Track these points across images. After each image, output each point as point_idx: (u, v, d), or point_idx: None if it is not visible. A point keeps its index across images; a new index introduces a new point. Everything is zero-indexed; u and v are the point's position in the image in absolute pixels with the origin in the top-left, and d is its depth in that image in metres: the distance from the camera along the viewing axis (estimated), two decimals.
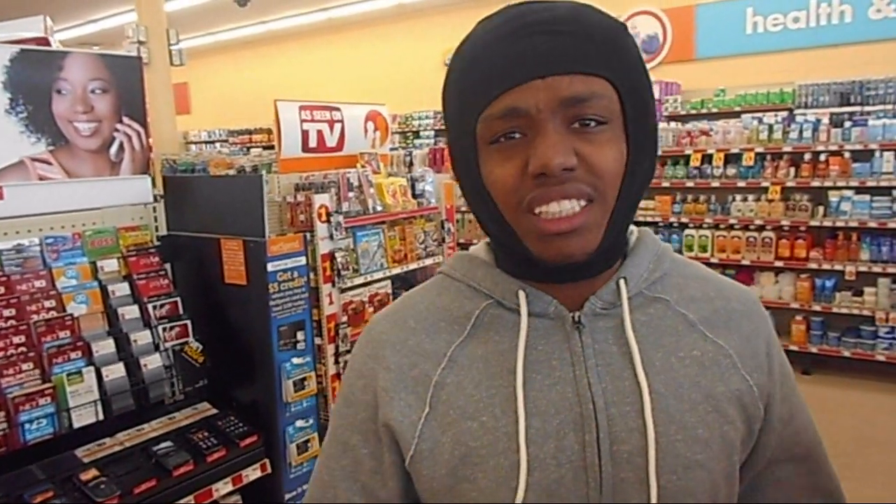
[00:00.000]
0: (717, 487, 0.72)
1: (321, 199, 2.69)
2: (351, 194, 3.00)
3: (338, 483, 0.77)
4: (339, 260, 2.76)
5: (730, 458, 0.73)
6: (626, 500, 0.69)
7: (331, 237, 2.73)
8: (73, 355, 1.89)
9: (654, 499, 0.68)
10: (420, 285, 0.85)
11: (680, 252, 5.54)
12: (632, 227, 0.80)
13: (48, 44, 2.17)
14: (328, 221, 2.71)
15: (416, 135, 10.44)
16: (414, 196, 3.33)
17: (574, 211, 0.66)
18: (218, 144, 12.44)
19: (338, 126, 3.27)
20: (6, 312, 1.83)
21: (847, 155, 5.13)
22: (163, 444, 1.98)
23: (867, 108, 6.55)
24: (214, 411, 2.20)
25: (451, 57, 0.73)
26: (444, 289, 0.80)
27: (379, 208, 3.07)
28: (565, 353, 0.72)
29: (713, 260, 5.61)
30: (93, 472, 1.82)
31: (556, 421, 0.69)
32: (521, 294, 0.74)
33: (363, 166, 3.22)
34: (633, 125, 0.68)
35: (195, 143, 12.82)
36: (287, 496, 2.20)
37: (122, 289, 2.09)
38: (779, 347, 0.81)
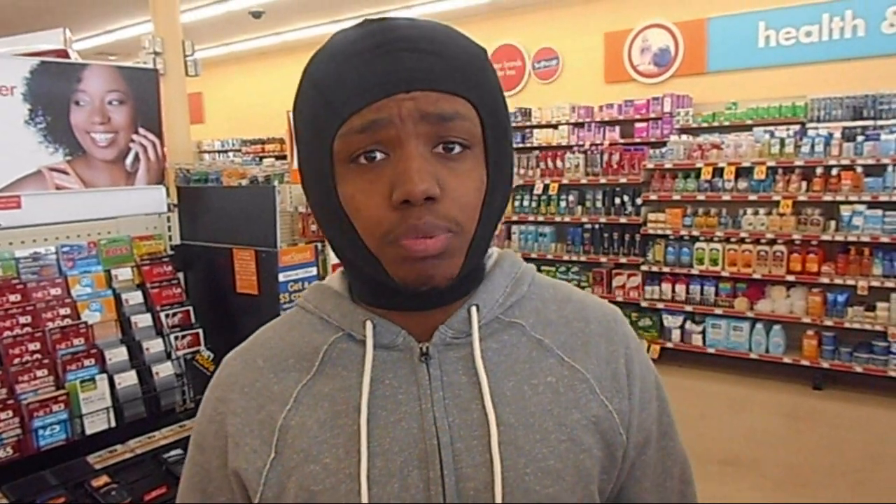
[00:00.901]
0: None
1: None
2: None
3: None
4: None
5: (586, 489, 0.71)
6: None
7: None
8: (86, 362, 1.91)
9: None
10: (278, 318, 0.82)
11: (690, 265, 5.56)
12: (491, 249, 0.78)
13: (67, 56, 2.21)
14: None
15: None
16: None
17: (437, 238, 0.64)
18: (231, 154, 12.55)
19: None
20: (22, 319, 1.86)
21: (859, 169, 5.12)
22: (173, 452, 2.00)
23: (880, 123, 6.54)
24: None
25: (305, 68, 0.70)
26: (297, 322, 0.77)
27: None
28: (412, 386, 0.70)
29: (724, 273, 5.60)
30: (104, 479, 1.84)
31: (399, 459, 0.67)
32: (368, 325, 0.71)
33: None
34: (494, 149, 0.68)
35: (208, 152, 12.94)
36: None
37: (135, 297, 2.11)
38: (644, 364, 0.79)
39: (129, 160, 2.19)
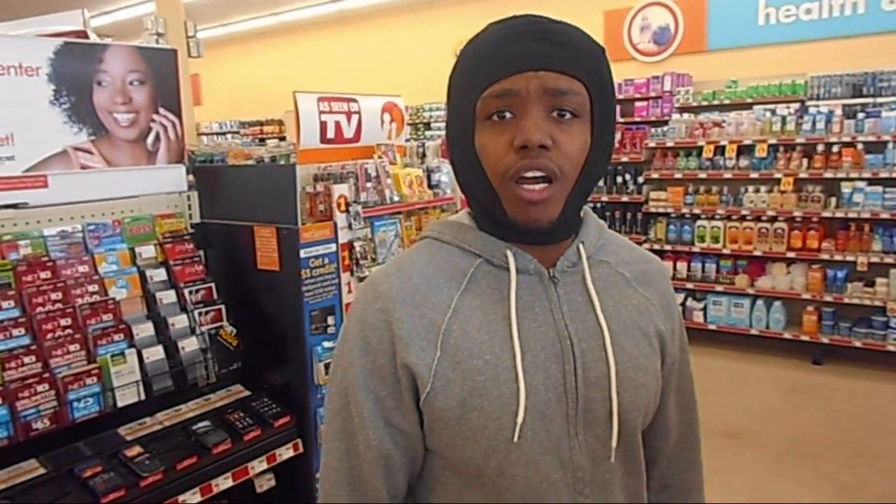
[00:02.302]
0: (651, 402, 0.94)
1: (340, 190, 2.74)
2: (369, 185, 3.05)
3: (366, 423, 0.88)
4: (357, 249, 2.81)
5: (658, 381, 0.96)
6: (593, 413, 0.88)
7: (349, 227, 2.78)
8: (115, 337, 1.96)
9: (615, 412, 0.88)
10: (408, 248, 0.99)
11: (692, 243, 5.60)
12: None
13: (87, 37, 2.24)
14: (347, 211, 2.76)
15: (427, 126, 10.48)
16: (430, 186, 3.38)
17: (542, 187, 0.83)
18: (229, 136, 12.52)
19: (355, 117, 3.30)
20: (54, 296, 1.90)
21: (860, 146, 5.16)
22: (201, 424, 2.06)
23: (880, 100, 6.57)
24: (248, 393, 2.27)
25: (462, 48, 0.89)
26: (437, 250, 0.94)
27: (396, 199, 3.11)
28: (545, 301, 0.90)
29: (725, 251, 5.66)
30: (137, 449, 1.90)
31: (543, 355, 0.87)
32: (510, 253, 0.90)
33: (380, 157, 3.27)
34: (598, 124, 0.86)
35: (206, 134, 12.91)
36: (318, 474, 2.27)
37: (159, 274, 2.16)
38: (676, 302, 1.05)
39: (150, 139, 2.23)
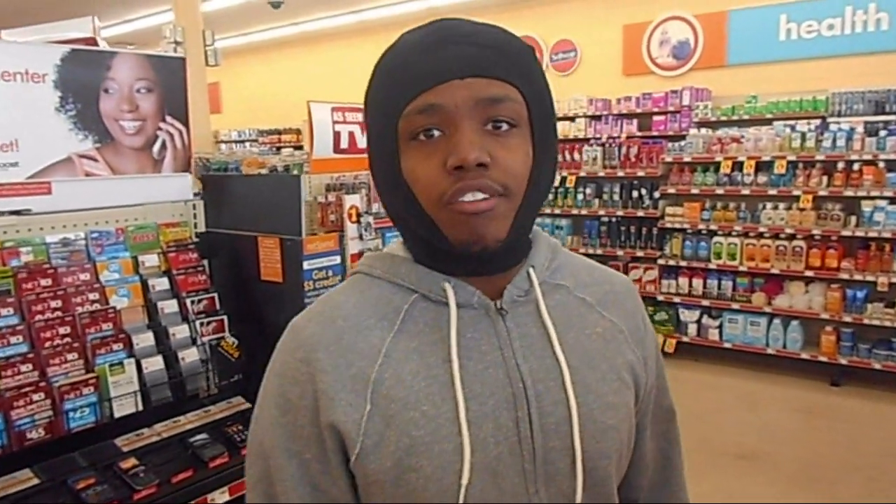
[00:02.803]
0: (624, 446, 0.83)
1: (352, 200, 2.72)
2: None
3: (289, 491, 0.78)
4: None
5: (631, 420, 0.85)
6: (554, 466, 0.77)
7: (360, 237, 2.76)
8: (115, 347, 1.95)
9: (578, 462, 0.77)
10: (337, 286, 0.88)
11: (708, 260, 5.54)
12: None
13: (96, 44, 2.24)
14: (358, 222, 2.74)
15: None
16: None
17: (487, 198, 0.73)
18: (248, 144, 12.60)
19: None
20: (53, 304, 1.89)
21: (881, 164, 5.07)
22: (199, 437, 2.03)
23: None
24: (248, 406, 2.24)
25: (377, 62, 0.80)
26: (367, 287, 0.83)
27: None
28: (493, 338, 0.79)
29: (742, 268, 5.57)
30: (132, 461, 1.87)
31: (491, 402, 0.76)
32: (448, 286, 0.79)
33: None
34: (539, 131, 0.77)
35: (225, 142, 13.00)
36: None
37: (161, 283, 2.14)
38: (649, 323, 0.94)
39: (156, 148, 2.22)
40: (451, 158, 0.72)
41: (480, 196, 0.72)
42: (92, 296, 1.98)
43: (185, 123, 2.27)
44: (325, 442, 0.76)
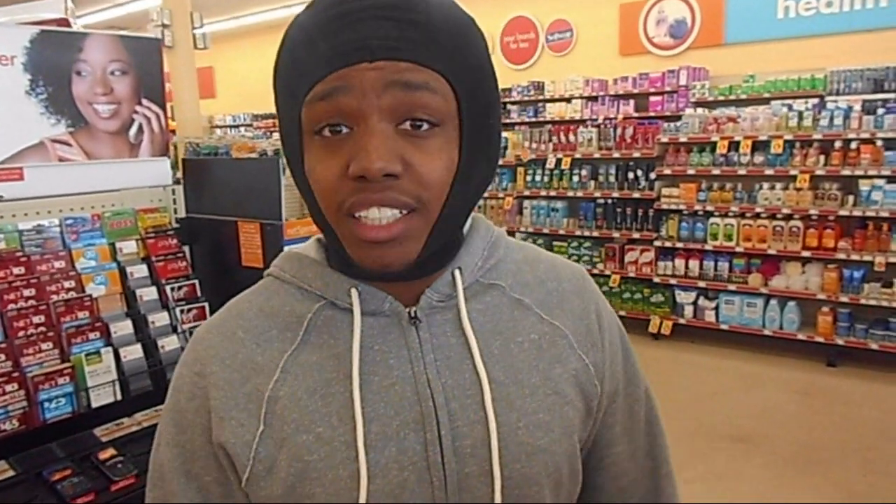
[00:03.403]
0: (560, 469, 0.73)
1: None
2: None
3: None
4: None
5: (570, 438, 0.74)
6: (471, 493, 0.68)
7: None
8: (91, 336, 1.90)
9: (497, 490, 0.67)
10: (248, 290, 0.79)
11: (704, 241, 5.49)
12: None
13: (69, 25, 2.18)
14: None
15: None
16: None
17: (394, 218, 0.62)
18: (242, 129, 12.53)
19: None
20: (26, 292, 1.85)
21: (879, 143, 5.01)
22: None
23: None
24: None
25: (284, 33, 0.68)
26: (274, 292, 0.75)
27: None
28: (403, 350, 0.70)
29: (738, 249, 5.53)
30: (110, 451, 1.84)
31: (395, 423, 0.68)
32: (354, 293, 0.71)
33: None
34: (471, 128, 0.65)
35: (220, 127, 12.93)
36: None
37: (140, 270, 2.10)
38: (610, 316, 0.82)
39: (132, 132, 2.16)
40: (352, 165, 0.61)
41: (387, 214, 0.62)
42: (67, 284, 1.93)
43: (162, 106, 2.21)
44: (222, 463, 0.70)
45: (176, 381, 0.75)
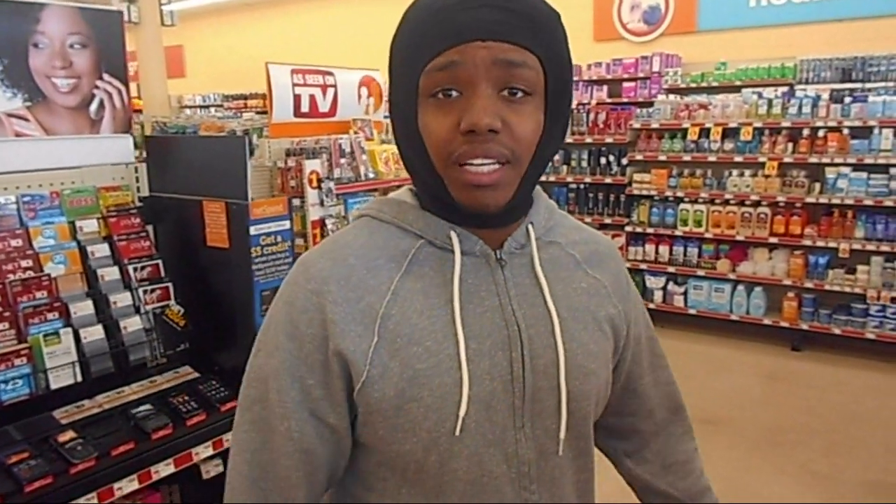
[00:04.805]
0: (601, 390, 0.91)
1: (312, 165, 2.64)
2: (343, 161, 2.95)
3: (288, 413, 0.81)
4: (329, 227, 2.71)
5: (608, 366, 0.93)
6: (541, 403, 0.84)
7: (321, 203, 2.68)
8: (49, 316, 1.86)
9: (563, 401, 0.84)
10: (344, 228, 0.91)
11: (674, 226, 5.52)
12: None
13: None
14: (319, 188, 2.67)
15: None
16: None
17: (493, 168, 0.76)
18: (213, 109, 12.30)
19: (331, 91, 3.19)
20: None
21: (846, 131, 5.08)
22: (142, 408, 1.96)
23: (868, 85, 6.48)
24: (196, 375, 2.17)
25: (405, 12, 0.81)
26: (375, 230, 0.87)
27: (371, 175, 3.02)
28: (491, 285, 0.85)
29: (707, 235, 5.59)
30: (70, 434, 1.80)
31: (488, 342, 0.82)
32: (454, 235, 0.84)
33: (356, 132, 3.16)
34: (553, 101, 0.80)
35: (190, 107, 12.67)
36: None
37: (101, 250, 2.05)
38: (630, 280, 1.02)
39: (93, 107, 2.10)
40: (464, 121, 0.74)
41: (487, 162, 0.76)
42: (24, 263, 1.88)
43: (125, 82, 2.15)
44: (332, 369, 0.80)
45: (288, 296, 0.84)
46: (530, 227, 0.88)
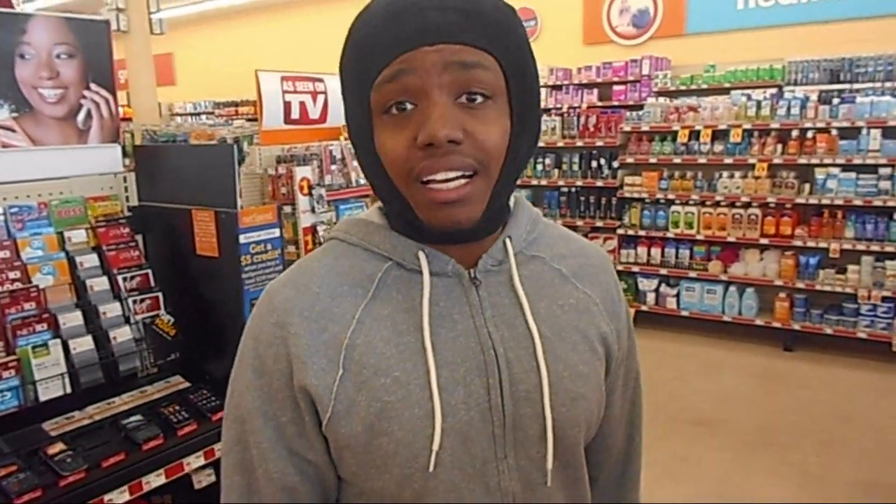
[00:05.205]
0: (593, 414, 0.84)
1: (303, 172, 2.64)
2: (334, 167, 2.95)
3: (266, 453, 0.79)
4: (321, 234, 2.71)
5: (600, 389, 0.86)
6: (524, 432, 0.78)
7: (312, 210, 2.68)
8: (38, 327, 1.85)
9: (549, 429, 0.78)
10: (312, 252, 0.87)
11: (666, 229, 5.55)
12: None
13: (11, 6, 2.10)
14: (310, 194, 2.67)
15: None
16: None
17: (459, 183, 0.71)
18: (204, 116, 12.28)
19: (321, 98, 3.19)
20: None
21: (834, 132, 5.12)
22: (133, 418, 1.95)
23: (856, 86, 6.52)
24: (187, 385, 2.16)
25: (348, 31, 0.77)
26: (341, 254, 0.83)
27: (362, 182, 3.02)
28: (465, 306, 0.80)
29: (699, 237, 5.61)
30: (59, 446, 1.79)
31: (462, 369, 0.77)
32: (422, 255, 0.79)
33: (346, 139, 3.17)
34: (518, 102, 0.74)
35: (181, 115, 12.65)
36: None
37: (90, 260, 2.04)
38: (622, 295, 0.95)
39: (80, 117, 2.10)
40: (421, 134, 0.69)
41: (452, 176, 0.70)
42: (12, 274, 1.87)
43: (112, 91, 2.14)
44: (299, 405, 0.77)
45: (254, 331, 0.81)
46: (508, 241, 0.83)
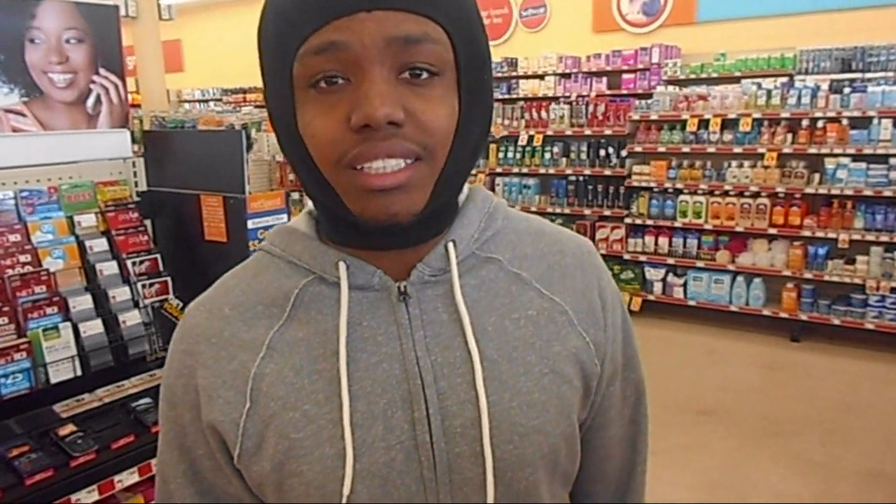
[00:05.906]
0: (557, 450, 0.70)
1: None
2: None
3: (183, 490, 0.73)
4: None
5: (568, 419, 0.71)
6: (461, 475, 0.66)
7: None
8: (49, 310, 1.87)
9: (489, 471, 0.66)
10: (240, 265, 0.77)
11: (674, 218, 5.53)
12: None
13: None
14: None
15: None
16: None
17: (399, 167, 0.60)
18: (212, 103, 12.30)
19: None
20: None
21: (845, 122, 5.08)
22: (142, 401, 1.97)
23: (868, 75, 6.46)
24: None
25: None
26: (263, 268, 0.73)
27: None
28: (391, 326, 0.68)
29: (707, 226, 5.59)
30: (70, 427, 1.81)
31: (382, 401, 0.66)
32: (342, 266, 0.68)
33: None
34: (468, 78, 0.64)
35: (189, 101, 12.67)
36: None
37: (100, 244, 2.06)
38: (614, 295, 0.79)
39: (90, 102, 2.11)
40: (355, 114, 0.58)
41: (392, 164, 0.60)
42: (23, 258, 1.89)
43: (121, 77, 2.15)
44: (209, 440, 0.70)
45: (168, 358, 0.74)
46: (451, 245, 0.70)
